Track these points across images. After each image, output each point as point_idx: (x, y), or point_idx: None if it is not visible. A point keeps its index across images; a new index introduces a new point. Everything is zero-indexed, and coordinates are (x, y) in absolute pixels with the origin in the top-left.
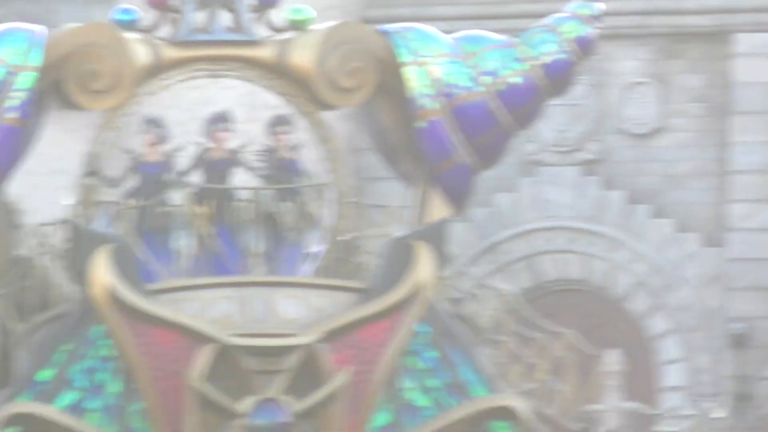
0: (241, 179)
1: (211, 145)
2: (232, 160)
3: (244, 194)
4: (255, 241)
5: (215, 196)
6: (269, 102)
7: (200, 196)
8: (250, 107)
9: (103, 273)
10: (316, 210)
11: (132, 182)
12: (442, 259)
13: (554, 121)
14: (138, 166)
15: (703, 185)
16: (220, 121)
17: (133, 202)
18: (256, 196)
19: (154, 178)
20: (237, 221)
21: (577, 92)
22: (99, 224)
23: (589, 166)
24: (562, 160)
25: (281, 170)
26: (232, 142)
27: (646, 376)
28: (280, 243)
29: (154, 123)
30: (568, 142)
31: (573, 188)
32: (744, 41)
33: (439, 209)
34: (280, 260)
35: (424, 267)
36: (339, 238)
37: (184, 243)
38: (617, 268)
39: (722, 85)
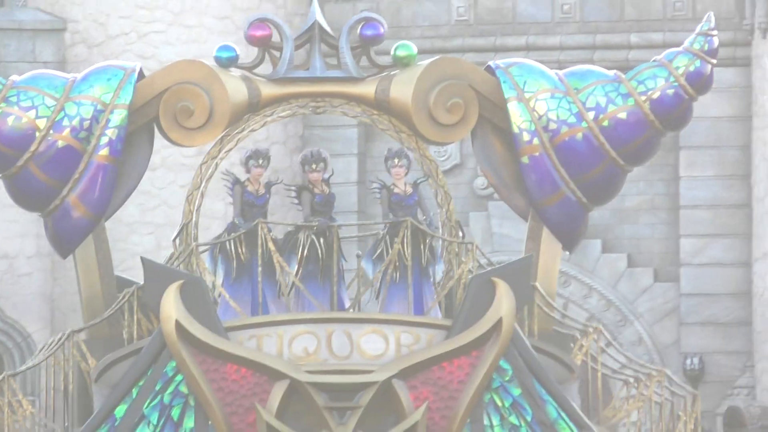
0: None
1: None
2: (331, 193)
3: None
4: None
5: (328, 230)
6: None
7: (318, 231)
8: None
9: (172, 308)
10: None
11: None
12: (526, 296)
13: None
14: (245, 196)
15: (654, 220)
16: (314, 162)
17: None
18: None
19: (256, 209)
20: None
21: None
22: (204, 261)
23: None
24: None
25: (397, 204)
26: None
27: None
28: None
29: (263, 157)
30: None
31: (524, 223)
32: None
33: (549, 244)
34: (397, 296)
35: (505, 304)
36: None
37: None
38: (570, 303)
39: None
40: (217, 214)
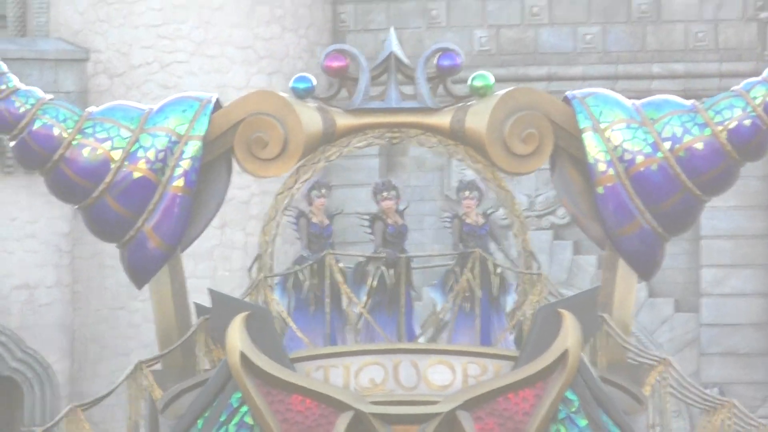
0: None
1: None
2: (404, 225)
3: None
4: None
5: (398, 261)
6: None
7: (387, 262)
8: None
9: (238, 340)
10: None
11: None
12: (593, 327)
13: (524, 186)
14: (311, 228)
15: (675, 250)
16: (385, 189)
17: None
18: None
19: (323, 240)
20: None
21: None
22: (276, 293)
23: (560, 231)
24: (533, 225)
25: (469, 235)
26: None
27: None
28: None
29: (324, 186)
30: (538, 206)
31: (545, 253)
32: None
33: (624, 274)
34: (465, 326)
35: (571, 335)
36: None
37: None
38: None
39: None
40: (236, 244)
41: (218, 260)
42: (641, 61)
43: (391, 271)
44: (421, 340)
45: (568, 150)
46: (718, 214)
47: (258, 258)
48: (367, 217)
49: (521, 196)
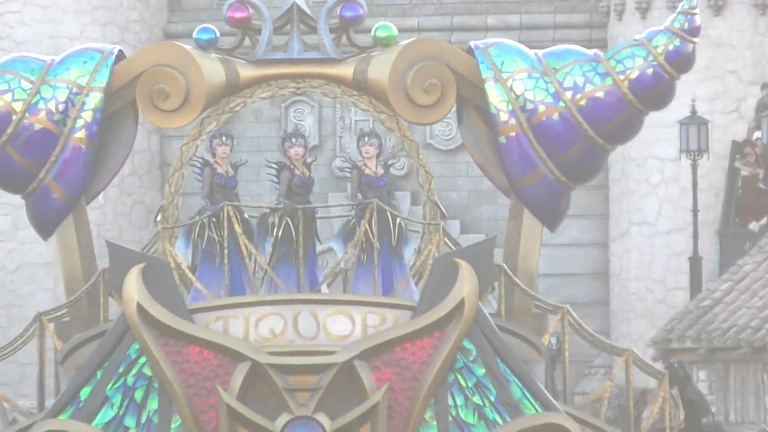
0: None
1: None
2: (311, 177)
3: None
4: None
5: (301, 213)
6: None
7: (286, 212)
8: None
9: (134, 291)
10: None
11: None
12: (490, 277)
13: None
14: (216, 178)
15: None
16: (294, 137)
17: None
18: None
19: (228, 191)
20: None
21: None
22: (180, 243)
23: (399, 181)
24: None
25: (367, 185)
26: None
27: None
28: (368, 258)
29: (225, 135)
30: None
31: None
32: None
33: (529, 224)
34: (365, 277)
35: (467, 285)
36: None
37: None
38: None
39: None
40: None
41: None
42: (476, 13)
43: (297, 222)
44: (324, 290)
45: (472, 100)
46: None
47: (161, 209)
48: (274, 165)
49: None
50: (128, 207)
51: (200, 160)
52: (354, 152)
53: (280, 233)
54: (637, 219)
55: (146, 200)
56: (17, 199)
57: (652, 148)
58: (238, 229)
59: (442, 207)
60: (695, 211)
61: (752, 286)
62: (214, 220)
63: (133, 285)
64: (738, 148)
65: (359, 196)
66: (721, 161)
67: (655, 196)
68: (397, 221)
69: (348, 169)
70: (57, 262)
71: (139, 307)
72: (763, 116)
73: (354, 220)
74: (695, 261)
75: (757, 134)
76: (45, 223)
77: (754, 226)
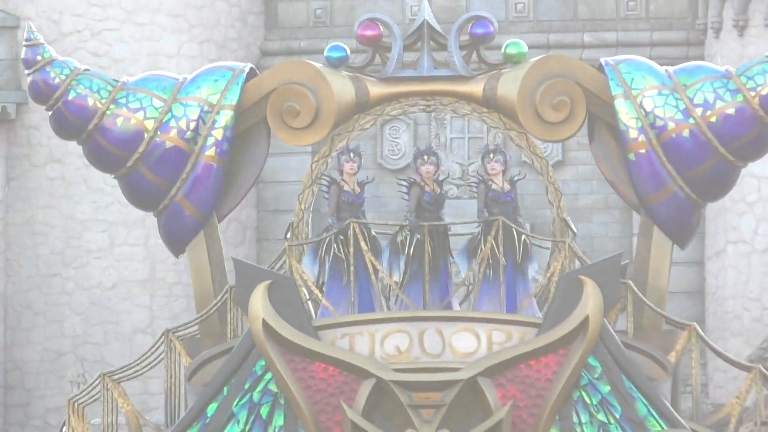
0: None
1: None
2: (442, 194)
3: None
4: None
5: (429, 230)
6: None
7: (415, 230)
8: None
9: (260, 308)
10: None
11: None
12: (615, 294)
13: (457, 155)
14: (342, 196)
15: (607, 218)
16: (426, 154)
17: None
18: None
19: (355, 208)
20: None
21: (476, 126)
22: (307, 260)
23: None
24: (466, 194)
25: (494, 201)
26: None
27: None
28: (494, 275)
29: (353, 152)
30: (471, 175)
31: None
32: None
33: (659, 241)
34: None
35: (592, 302)
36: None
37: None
38: None
39: None
40: None
41: (151, 228)
42: (573, 30)
43: (431, 240)
44: (455, 305)
45: (602, 117)
46: None
47: (291, 226)
48: (405, 182)
49: (454, 164)
50: (224, 224)
51: (327, 177)
52: (452, 168)
53: (411, 251)
54: (733, 237)
55: (241, 218)
56: (113, 216)
57: (750, 166)
58: (364, 246)
59: (572, 224)
60: None
61: None
62: (341, 237)
63: (259, 302)
64: None
65: (485, 212)
66: None
67: (751, 214)
68: (522, 238)
69: (475, 184)
70: (152, 279)
71: (265, 323)
72: None
73: (480, 236)
74: None
75: None
76: (176, 240)
77: None
